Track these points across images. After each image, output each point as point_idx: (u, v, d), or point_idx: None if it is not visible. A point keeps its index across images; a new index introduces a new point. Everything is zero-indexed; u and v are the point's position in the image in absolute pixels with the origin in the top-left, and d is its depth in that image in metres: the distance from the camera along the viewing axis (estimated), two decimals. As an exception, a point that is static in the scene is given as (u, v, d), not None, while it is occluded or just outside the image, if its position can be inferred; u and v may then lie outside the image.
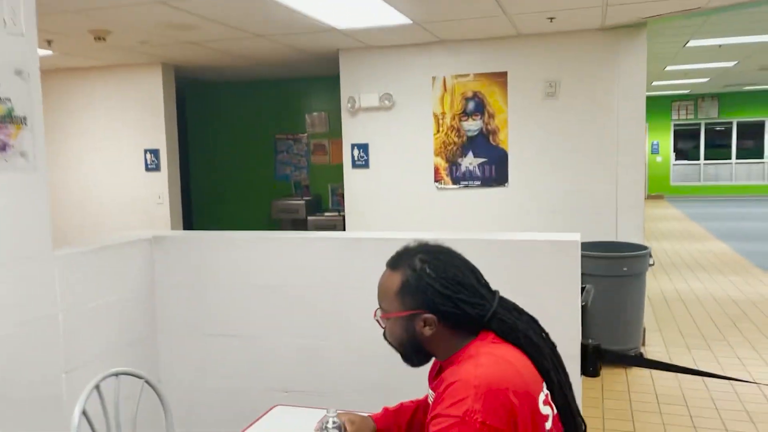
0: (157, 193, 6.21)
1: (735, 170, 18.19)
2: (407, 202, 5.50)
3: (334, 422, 1.61)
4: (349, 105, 5.55)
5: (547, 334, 1.48)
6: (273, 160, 7.78)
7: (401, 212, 5.50)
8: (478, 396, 1.27)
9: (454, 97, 5.32)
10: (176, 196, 6.33)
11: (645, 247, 4.63)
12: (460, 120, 5.33)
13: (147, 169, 6.20)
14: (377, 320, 1.52)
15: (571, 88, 5.01)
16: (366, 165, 5.63)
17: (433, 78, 5.35)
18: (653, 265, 4.74)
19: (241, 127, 7.81)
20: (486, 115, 5.26)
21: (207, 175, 7.96)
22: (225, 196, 7.88)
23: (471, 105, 5.30)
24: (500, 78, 5.19)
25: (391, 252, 2.52)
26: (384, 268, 1.53)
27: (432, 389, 1.49)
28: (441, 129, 5.38)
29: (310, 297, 2.62)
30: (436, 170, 5.43)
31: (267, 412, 2.05)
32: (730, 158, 18.30)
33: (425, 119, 5.41)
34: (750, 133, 18.48)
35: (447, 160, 5.41)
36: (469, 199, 5.35)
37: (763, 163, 18.06)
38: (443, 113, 5.36)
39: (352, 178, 5.68)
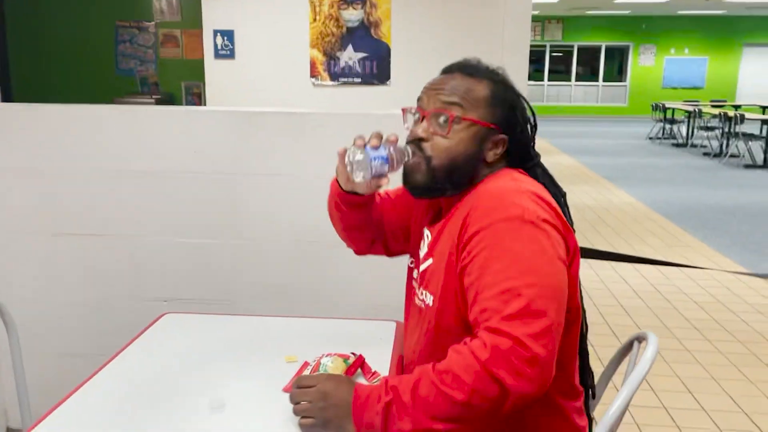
0: (-34, 80, 5.09)
1: (574, 92, 19.39)
2: (279, 99, 4.96)
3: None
4: (212, -17, 4.81)
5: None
6: (114, 51, 6.75)
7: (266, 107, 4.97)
8: (529, 199, 1.11)
9: (332, -19, 4.78)
10: (-8, 86, 5.24)
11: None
12: (339, 8, 4.83)
13: (-49, 49, 5.02)
14: (445, 120, 1.20)
15: (459, -22, 4.69)
16: (231, 55, 4.97)
17: (310, -43, 4.75)
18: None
19: (72, 8, 6.63)
20: (367, 4, 4.81)
21: (31, 65, 6.74)
22: (55, 93, 6.74)
23: (351, -8, 4.80)
24: (384, -37, 4.73)
25: (299, 131, 2.11)
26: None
27: (431, 229, 1.29)
28: (318, 17, 4.85)
29: (196, 186, 2.12)
30: (313, 64, 4.93)
31: (155, 320, 1.60)
32: (570, 81, 19.42)
33: (300, 5, 4.84)
34: (588, 57, 19.68)
35: (324, 54, 4.92)
36: (349, 97, 4.95)
37: (598, 85, 19.41)
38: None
39: (214, 70, 5.01)
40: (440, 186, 1.23)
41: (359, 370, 1.32)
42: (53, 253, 2.18)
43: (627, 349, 1.36)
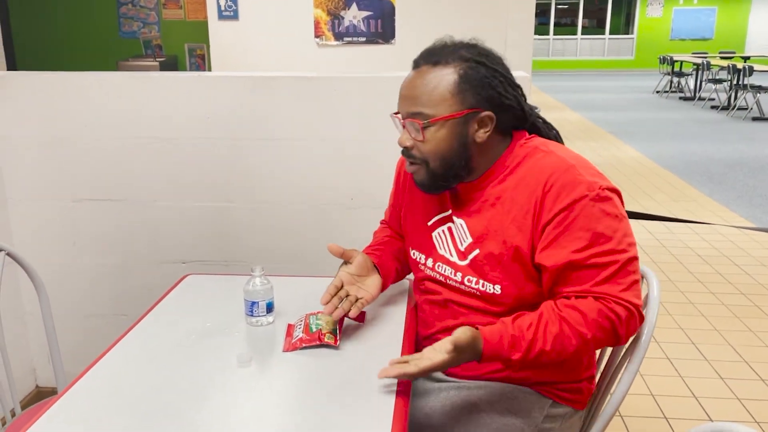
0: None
1: (580, 45, 19.10)
2: (284, 60, 4.95)
3: None
4: (213, -58, 4.74)
5: None
6: (116, 13, 6.69)
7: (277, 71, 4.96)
8: (582, 169, 1.19)
9: (335, -62, 4.71)
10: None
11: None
12: (343, -34, 4.76)
13: (-45, 15, 5.01)
14: (418, 128, 1.23)
15: (464, -67, 4.61)
16: (235, 16, 4.94)
17: None
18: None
19: (72, -30, 6.55)
20: (371, -39, 4.74)
21: (34, 31, 6.70)
22: (59, 58, 6.73)
23: (354, -51, 4.73)
24: None
25: (309, 94, 2.14)
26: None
27: (461, 216, 1.31)
28: (321, -24, 4.79)
29: (210, 151, 2.17)
30: (317, 24, 4.90)
31: (178, 282, 1.67)
32: (575, 34, 19.12)
33: (303, -37, 4.78)
34: (594, 9, 19.31)
35: (328, 13, 4.88)
36: (353, 57, 4.92)
37: (604, 38, 19.11)
38: (324, -43, 4.75)
39: (219, 32, 4.98)
40: (449, 181, 1.28)
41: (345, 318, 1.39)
42: (74, 218, 2.24)
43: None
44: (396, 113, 1.29)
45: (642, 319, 1.19)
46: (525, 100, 1.30)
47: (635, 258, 1.18)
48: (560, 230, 1.17)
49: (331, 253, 1.43)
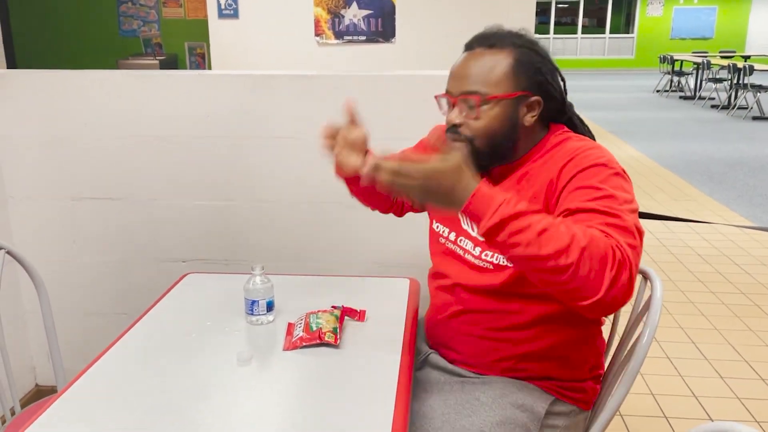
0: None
1: (580, 44, 19.09)
2: (284, 59, 4.95)
3: None
4: (213, -59, 4.74)
5: None
6: (116, 11, 6.69)
7: (277, 70, 4.96)
8: (606, 153, 1.23)
9: (335, -63, 4.71)
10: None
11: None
12: (343, -35, 4.76)
13: (-45, 13, 5.00)
14: (471, 105, 1.26)
15: (464, -68, 4.61)
16: (235, 14, 4.93)
17: None
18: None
19: (72, -31, 6.55)
20: (371, -40, 4.74)
21: (34, 31, 6.70)
22: (59, 57, 6.72)
23: (355, -53, 4.73)
24: None
25: (310, 93, 2.14)
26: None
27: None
28: (321, -26, 4.79)
29: (210, 150, 2.16)
30: (317, 23, 4.89)
31: (178, 281, 1.67)
32: (576, 33, 19.11)
33: (303, -38, 4.78)
34: (594, 8, 19.31)
35: (329, 12, 4.88)
36: (354, 55, 4.92)
37: (604, 38, 19.10)
38: (324, -44, 4.75)
39: (219, 31, 4.97)
40: (490, 160, 1.30)
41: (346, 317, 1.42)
42: (74, 217, 2.24)
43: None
44: (443, 94, 1.32)
45: (631, 288, 1.06)
46: (566, 94, 1.34)
47: (640, 232, 1.11)
48: (573, 189, 1.17)
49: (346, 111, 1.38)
